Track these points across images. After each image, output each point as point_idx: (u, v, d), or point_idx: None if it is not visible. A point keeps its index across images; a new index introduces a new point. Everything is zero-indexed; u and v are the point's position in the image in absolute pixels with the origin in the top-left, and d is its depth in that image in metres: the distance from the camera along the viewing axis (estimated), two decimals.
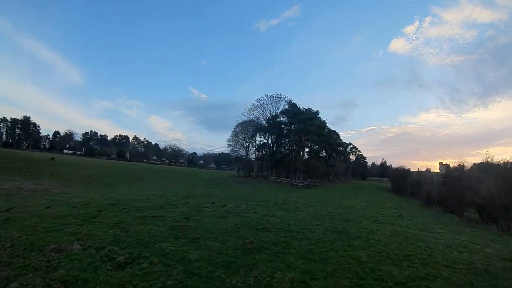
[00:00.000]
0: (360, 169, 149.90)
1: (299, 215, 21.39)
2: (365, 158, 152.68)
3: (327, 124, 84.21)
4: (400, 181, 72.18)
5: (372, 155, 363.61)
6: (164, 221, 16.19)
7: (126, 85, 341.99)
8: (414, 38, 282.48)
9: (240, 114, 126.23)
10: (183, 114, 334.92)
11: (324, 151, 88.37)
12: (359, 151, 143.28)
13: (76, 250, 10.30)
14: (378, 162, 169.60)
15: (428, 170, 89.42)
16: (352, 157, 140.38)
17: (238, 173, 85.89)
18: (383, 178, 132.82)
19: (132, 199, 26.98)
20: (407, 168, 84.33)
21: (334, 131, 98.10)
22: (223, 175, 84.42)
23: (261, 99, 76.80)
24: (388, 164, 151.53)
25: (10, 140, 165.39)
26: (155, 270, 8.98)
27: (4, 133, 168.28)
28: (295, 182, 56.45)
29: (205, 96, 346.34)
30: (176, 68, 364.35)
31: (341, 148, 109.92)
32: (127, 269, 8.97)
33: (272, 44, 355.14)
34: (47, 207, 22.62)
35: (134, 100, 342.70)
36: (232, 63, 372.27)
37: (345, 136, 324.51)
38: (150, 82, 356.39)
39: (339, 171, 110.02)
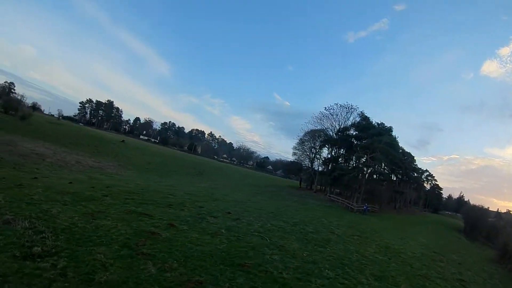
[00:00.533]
0: (434, 201, 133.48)
1: (315, 255, 15.66)
2: (441, 189, 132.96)
3: (400, 144, 75.07)
4: (475, 222, 62.10)
5: (450, 186, 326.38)
6: (142, 223, 13.97)
7: (213, 84, 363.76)
8: (508, 61, 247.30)
9: (306, 122, 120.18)
10: (264, 118, 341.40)
11: (393, 175, 79.74)
12: (435, 180, 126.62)
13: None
14: (456, 195, 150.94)
15: (509, 212, 75.60)
16: (427, 186, 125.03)
17: (300, 184, 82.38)
18: (458, 214, 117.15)
19: (155, 191, 26.18)
20: (485, 207, 72.61)
21: (409, 154, 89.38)
22: (283, 184, 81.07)
23: (331, 108, 71.63)
24: (466, 199, 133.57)
25: (94, 120, 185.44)
26: None
27: (88, 113, 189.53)
28: (351, 205, 50.93)
29: (288, 103, 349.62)
30: (262, 72, 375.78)
31: (415, 174, 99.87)
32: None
33: (358, 56, 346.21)
34: (69, 182, 23.22)
35: (218, 99, 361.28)
36: (317, 72, 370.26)
37: (424, 162, 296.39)
38: (236, 84, 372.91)
39: (409, 199, 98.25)
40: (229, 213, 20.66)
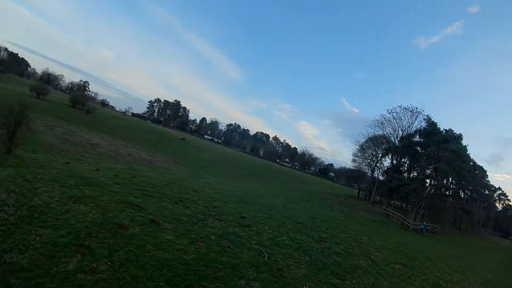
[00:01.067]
0: (505, 223, 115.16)
1: None
2: None
3: (471, 156, 64.98)
4: None
5: None
6: (122, 214, 12.51)
7: (282, 89, 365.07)
8: None
9: (366, 125, 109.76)
10: (332, 124, 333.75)
11: (460, 190, 69.44)
12: (508, 199, 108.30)
13: None
14: None
15: None
16: (498, 206, 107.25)
17: (358, 194, 76.20)
18: None
19: (182, 186, 25.33)
20: None
21: (481, 168, 77.29)
22: (341, 192, 74.35)
23: (393, 111, 63.25)
24: None
25: (161, 118, 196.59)
26: None
27: (156, 111, 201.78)
28: (407, 222, 44.48)
29: (356, 110, 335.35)
30: (331, 78, 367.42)
31: (486, 192, 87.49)
32: None
33: (430, 62, 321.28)
34: (96, 169, 23.44)
35: (287, 104, 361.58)
36: (387, 80, 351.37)
37: (498, 179, 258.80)
38: (305, 89, 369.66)
39: (477, 219, 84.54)
40: (243, 217, 18.19)
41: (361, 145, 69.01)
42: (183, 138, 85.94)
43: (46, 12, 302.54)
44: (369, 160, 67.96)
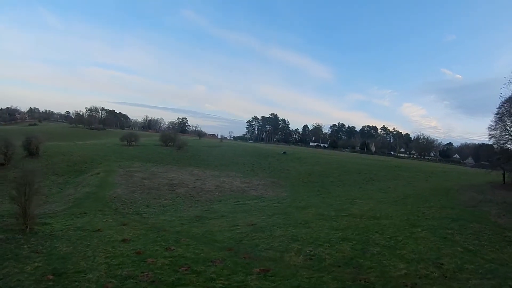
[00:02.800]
0: None
1: None
2: None
3: None
4: None
5: None
6: None
7: (376, 76, 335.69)
8: None
9: (505, 85, 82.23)
10: (437, 98, 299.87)
11: None
12: None
13: None
14: None
15: None
16: None
17: (503, 179, 49.30)
18: None
19: (271, 235, 17.72)
20: None
21: None
22: (477, 179, 51.75)
23: None
24: None
25: (262, 135, 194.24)
26: None
27: (256, 129, 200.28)
28: None
29: (459, 76, 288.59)
30: (424, 48, 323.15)
31: None
32: None
33: None
34: (122, 240, 17.05)
35: (385, 89, 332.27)
36: (485, 34, 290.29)
37: None
38: (399, 69, 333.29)
39: None
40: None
41: (496, 112, 48.88)
42: (284, 152, 78.52)
43: (136, 69, 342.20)
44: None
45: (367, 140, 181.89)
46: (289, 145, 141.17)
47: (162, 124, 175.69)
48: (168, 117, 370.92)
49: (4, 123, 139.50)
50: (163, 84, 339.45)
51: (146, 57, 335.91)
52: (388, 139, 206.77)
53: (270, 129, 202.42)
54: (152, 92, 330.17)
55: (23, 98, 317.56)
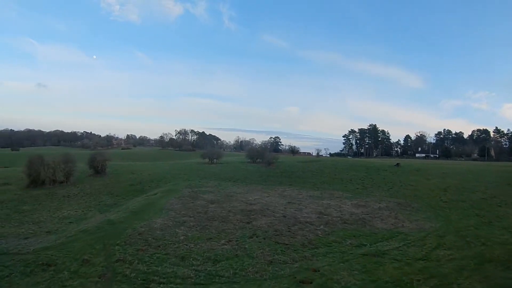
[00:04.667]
0: None
1: None
2: None
3: None
4: None
5: None
6: None
7: (472, 79, 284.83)
8: None
9: None
10: None
11: None
12: None
13: None
14: None
15: None
16: None
17: None
18: None
19: None
20: None
21: None
22: None
23: None
24: None
25: (361, 149, 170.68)
26: None
27: (354, 143, 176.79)
28: None
29: None
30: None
31: None
32: None
33: None
34: None
35: (482, 92, 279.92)
36: None
37: None
38: (493, 68, 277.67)
39: None
40: None
41: None
42: (397, 164, 59.90)
43: (227, 96, 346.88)
44: None
45: (485, 145, 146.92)
46: (394, 158, 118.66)
47: (254, 145, 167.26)
48: (260, 139, 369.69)
49: (101, 148, 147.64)
50: (254, 108, 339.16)
51: (235, 84, 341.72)
52: (504, 144, 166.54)
53: (369, 142, 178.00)
54: (244, 117, 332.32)
55: (121, 127, 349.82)
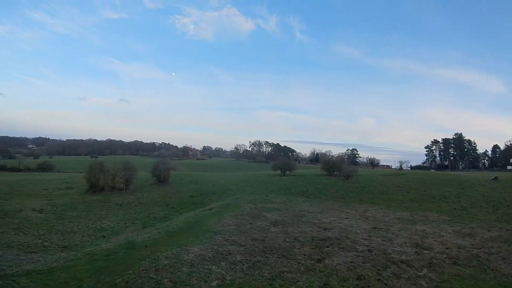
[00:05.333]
0: None
1: None
2: None
3: None
4: None
5: None
6: None
7: None
8: None
9: None
10: None
11: None
12: None
13: None
14: None
15: None
16: None
17: None
18: None
19: None
20: None
21: None
22: None
23: None
24: None
25: (445, 162, 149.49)
26: None
27: (438, 155, 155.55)
28: None
29: None
30: None
31: None
32: None
33: None
34: None
35: None
36: None
37: None
38: None
39: None
40: None
41: None
42: (495, 177, 48.55)
43: (302, 108, 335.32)
44: None
45: None
46: (483, 171, 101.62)
47: (330, 157, 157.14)
48: (336, 151, 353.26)
49: (177, 158, 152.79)
50: (330, 120, 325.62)
51: (310, 96, 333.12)
52: None
53: (455, 153, 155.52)
54: (319, 129, 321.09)
55: (198, 139, 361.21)
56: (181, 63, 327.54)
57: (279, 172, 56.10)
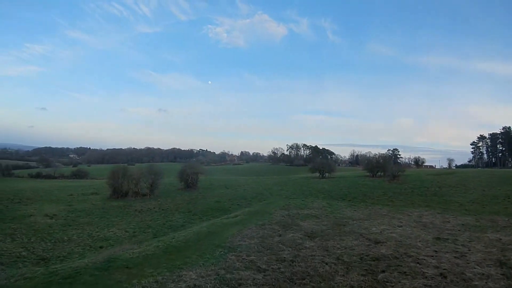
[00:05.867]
0: None
1: None
2: None
3: None
4: None
5: None
6: None
7: None
8: None
9: None
10: None
11: None
12: None
13: None
14: None
15: None
16: None
17: None
18: None
19: None
20: None
21: None
22: None
23: None
24: None
25: (493, 159, 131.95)
26: None
27: (485, 152, 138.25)
28: None
29: None
30: None
31: None
32: None
33: None
34: None
35: None
36: None
37: None
38: None
39: None
40: None
41: None
42: None
43: (339, 111, 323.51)
44: None
45: None
46: None
47: (374, 156, 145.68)
48: (375, 153, 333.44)
49: (214, 164, 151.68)
50: (367, 122, 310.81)
51: (346, 98, 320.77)
52: None
53: (503, 149, 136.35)
54: (356, 131, 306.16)
55: (235, 145, 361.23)
56: (217, 71, 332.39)
57: (317, 174, 52.08)
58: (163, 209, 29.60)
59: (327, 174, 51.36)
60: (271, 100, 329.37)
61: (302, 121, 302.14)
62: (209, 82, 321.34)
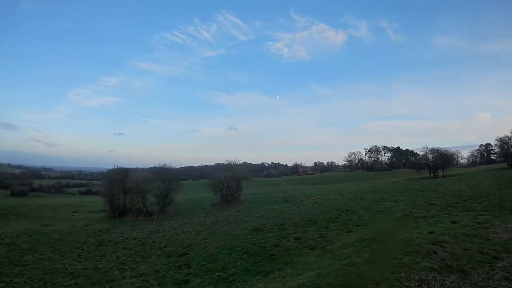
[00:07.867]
0: None
1: None
2: None
3: None
4: None
5: None
6: None
7: None
8: None
9: None
10: None
11: None
12: None
13: None
14: None
15: None
16: None
17: None
18: None
19: None
20: None
21: None
22: None
23: None
24: None
25: None
26: None
27: None
28: None
29: None
30: None
31: None
32: None
33: None
34: None
35: None
36: None
37: None
38: None
39: None
40: None
41: None
42: None
43: (412, 113, 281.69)
44: None
45: None
46: None
47: (460, 159, 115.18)
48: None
49: (286, 176, 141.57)
50: (442, 121, 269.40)
51: (419, 99, 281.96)
52: None
53: None
54: (433, 132, 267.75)
55: (308, 158, 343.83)
56: (283, 85, 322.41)
57: (430, 174, 37.01)
58: (144, 244, 16.50)
59: (441, 172, 35.64)
60: (340, 109, 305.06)
61: (375, 128, 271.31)
62: (278, 97, 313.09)
